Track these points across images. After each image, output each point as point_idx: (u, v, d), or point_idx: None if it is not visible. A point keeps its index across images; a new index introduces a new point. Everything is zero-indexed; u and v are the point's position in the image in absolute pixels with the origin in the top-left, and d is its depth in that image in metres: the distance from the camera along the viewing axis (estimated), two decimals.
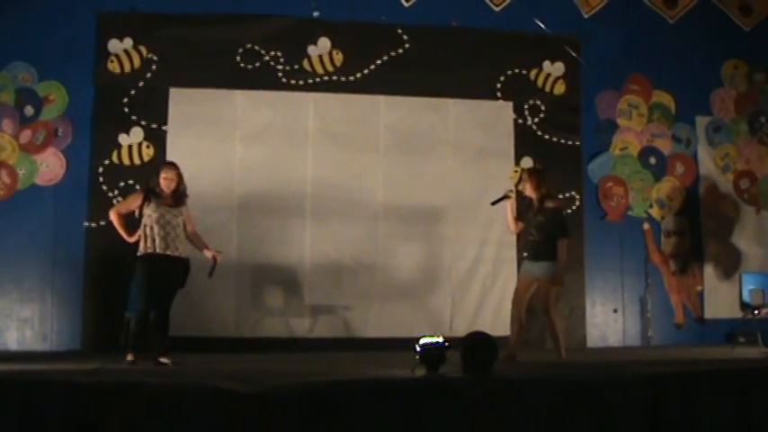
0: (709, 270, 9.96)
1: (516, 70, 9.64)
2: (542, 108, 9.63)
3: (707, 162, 10.15)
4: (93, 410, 4.63)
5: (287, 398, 4.68)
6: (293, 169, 9.08)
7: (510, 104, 9.61)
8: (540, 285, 7.12)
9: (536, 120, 9.61)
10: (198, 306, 8.39)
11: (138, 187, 8.09)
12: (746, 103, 10.31)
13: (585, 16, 9.90)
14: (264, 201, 8.96)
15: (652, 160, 9.95)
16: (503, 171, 9.35)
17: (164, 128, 8.94)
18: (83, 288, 8.66)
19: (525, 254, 7.59)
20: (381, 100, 9.37)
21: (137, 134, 8.90)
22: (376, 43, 9.41)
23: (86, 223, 8.70)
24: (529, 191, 7.29)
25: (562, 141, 9.63)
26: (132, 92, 8.94)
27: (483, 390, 4.96)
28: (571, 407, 5.00)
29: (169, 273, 6.72)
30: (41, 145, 8.82)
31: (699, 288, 9.89)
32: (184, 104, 9.00)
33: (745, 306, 8.68)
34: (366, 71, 9.34)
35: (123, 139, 8.87)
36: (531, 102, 9.62)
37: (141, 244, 6.75)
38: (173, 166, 7.01)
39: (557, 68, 9.71)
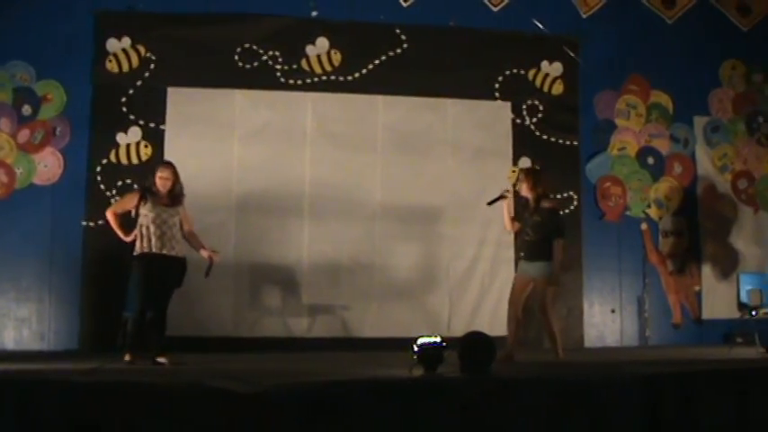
0: (706, 270, 9.97)
1: (514, 70, 9.64)
2: (540, 108, 9.63)
3: (705, 162, 10.15)
4: (91, 410, 4.63)
5: (285, 398, 4.68)
6: (291, 169, 9.08)
7: (508, 104, 9.61)
8: (536, 285, 7.13)
9: (534, 120, 9.62)
10: (196, 306, 8.39)
11: (135, 187, 8.08)
12: (744, 103, 10.31)
13: (584, 16, 9.90)
14: (263, 200, 8.95)
15: (650, 160, 9.96)
16: (501, 171, 9.35)
17: (162, 127, 8.93)
18: (80, 287, 8.65)
19: (522, 254, 7.59)
20: (380, 100, 9.37)
21: (135, 133, 8.90)
22: (374, 43, 9.41)
23: (84, 223, 8.69)
24: (525, 191, 7.30)
25: (560, 141, 9.63)
26: (130, 91, 8.93)
27: (481, 390, 4.96)
28: (569, 407, 5.00)
29: (165, 272, 6.72)
30: (39, 144, 8.82)
31: (696, 288, 9.90)
32: (182, 104, 8.99)
33: (742, 306, 8.69)
34: (364, 71, 9.34)
35: (121, 138, 8.87)
36: (529, 102, 9.63)
37: (137, 243, 6.75)
38: (168, 165, 7.00)
39: (555, 68, 9.72)
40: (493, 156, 9.45)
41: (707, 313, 9.87)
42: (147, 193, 6.84)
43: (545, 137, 9.60)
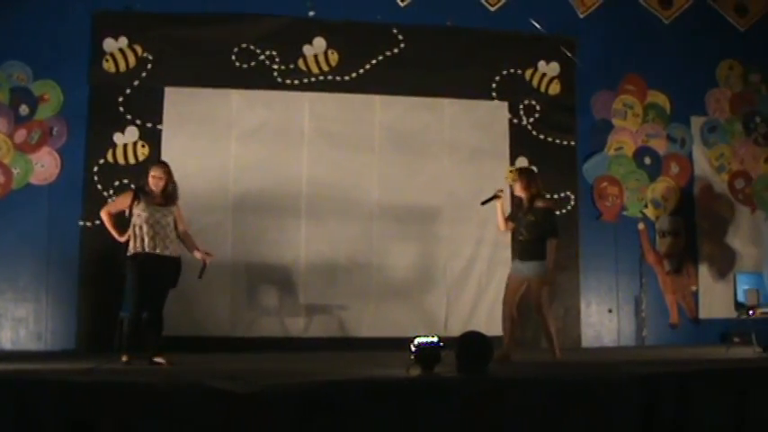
0: (703, 270, 9.98)
1: (511, 70, 9.65)
2: (537, 108, 9.63)
3: (702, 162, 10.17)
4: (88, 410, 4.63)
5: (282, 397, 4.68)
6: (288, 169, 9.08)
7: (505, 104, 9.61)
8: (530, 285, 7.14)
9: (531, 120, 9.62)
10: (193, 305, 8.40)
11: (132, 186, 8.08)
12: (741, 103, 10.32)
13: (581, 16, 9.91)
14: (260, 200, 8.95)
15: (647, 160, 9.97)
16: (498, 171, 9.34)
17: (159, 127, 8.93)
18: (77, 287, 8.65)
19: (516, 253, 7.58)
20: (377, 100, 9.37)
21: (132, 133, 8.89)
22: (371, 43, 9.41)
23: (81, 222, 8.69)
24: (519, 190, 7.32)
25: (557, 141, 9.64)
26: (127, 91, 8.93)
27: (478, 389, 4.96)
28: (566, 407, 5.01)
29: (159, 272, 6.69)
30: (36, 144, 8.81)
31: (693, 288, 9.91)
32: (179, 104, 8.99)
33: (739, 306, 8.69)
34: (361, 71, 9.34)
35: (118, 138, 8.86)
36: (526, 102, 9.63)
37: (131, 243, 6.73)
38: (161, 164, 6.99)
39: (552, 68, 9.72)
40: (490, 156, 9.45)
41: (704, 313, 9.88)
42: (141, 192, 6.82)
43: (542, 137, 9.60)
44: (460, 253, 9.31)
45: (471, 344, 5.60)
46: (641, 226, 9.81)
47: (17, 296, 8.66)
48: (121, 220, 6.90)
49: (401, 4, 9.52)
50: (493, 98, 9.58)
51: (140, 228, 6.70)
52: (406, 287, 9.17)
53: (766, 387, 5.46)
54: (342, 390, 4.83)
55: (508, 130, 9.57)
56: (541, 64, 9.70)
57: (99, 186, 8.74)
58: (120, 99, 8.89)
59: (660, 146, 10.03)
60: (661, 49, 9.97)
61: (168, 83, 9.01)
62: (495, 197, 7.41)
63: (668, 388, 5.24)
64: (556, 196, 9.35)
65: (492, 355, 5.61)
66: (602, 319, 9.67)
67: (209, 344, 8.38)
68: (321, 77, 9.27)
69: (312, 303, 8.97)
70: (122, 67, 8.96)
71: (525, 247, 7.21)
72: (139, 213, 6.72)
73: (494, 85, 9.58)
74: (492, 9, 9.70)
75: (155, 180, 6.80)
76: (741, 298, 8.70)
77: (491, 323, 8.22)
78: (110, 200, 8.44)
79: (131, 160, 8.84)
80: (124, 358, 6.60)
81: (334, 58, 9.31)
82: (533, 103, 9.63)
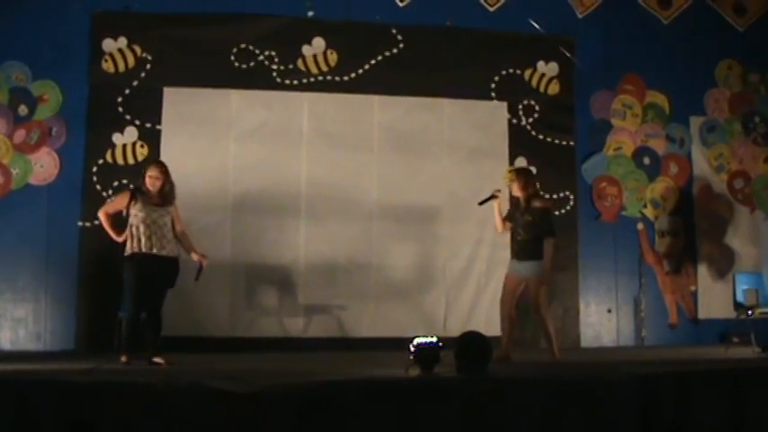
0: (702, 270, 9.98)
1: (510, 70, 9.65)
2: (537, 108, 9.64)
3: (701, 162, 10.17)
4: (88, 410, 4.63)
5: (281, 398, 4.68)
6: (288, 169, 9.08)
7: (504, 104, 9.61)
8: (528, 285, 7.14)
9: (530, 120, 9.62)
10: (192, 305, 8.39)
11: (132, 186, 8.07)
12: (740, 103, 10.32)
13: (580, 16, 9.91)
14: (259, 200, 8.95)
15: (646, 160, 9.97)
16: (497, 171, 9.29)
17: (158, 127, 8.93)
18: (77, 288, 8.64)
19: (513, 253, 7.56)
20: (376, 100, 9.37)
21: (131, 134, 8.89)
22: (370, 43, 9.41)
23: (80, 223, 8.68)
24: (516, 190, 7.31)
25: (556, 141, 9.64)
26: (126, 91, 8.92)
27: (477, 390, 4.96)
28: (565, 407, 5.01)
29: (157, 272, 6.68)
30: (35, 144, 8.81)
31: (692, 288, 9.91)
32: (179, 104, 8.98)
33: (738, 306, 8.69)
34: (360, 71, 9.34)
35: (117, 138, 8.86)
36: (525, 102, 9.63)
37: (128, 244, 6.72)
38: (158, 164, 6.98)
39: (551, 69, 9.72)
40: (489, 156, 9.45)
41: (703, 313, 9.88)
42: (138, 192, 6.81)
43: (541, 137, 9.60)
44: (460, 253, 9.30)
45: (470, 344, 5.60)
46: (640, 226, 9.81)
47: (16, 296, 8.66)
48: (119, 221, 6.90)
49: (400, 5, 9.52)
50: (492, 98, 9.58)
51: (137, 228, 6.69)
52: (405, 287, 9.16)
53: (765, 387, 5.47)
54: (341, 390, 4.83)
55: (507, 131, 9.57)
56: (540, 64, 9.70)
57: (98, 187, 8.74)
58: (120, 99, 8.89)
59: (659, 146, 10.03)
60: (660, 50, 9.97)
61: (167, 83, 9.00)
62: (492, 197, 7.41)
63: (667, 388, 5.24)
64: (555, 196, 9.37)
65: (491, 355, 5.61)
66: (602, 320, 9.67)
67: (208, 344, 8.38)
68: (320, 78, 9.27)
69: (311, 303, 8.97)
70: (121, 67, 8.95)
71: (523, 247, 7.21)
72: (136, 213, 6.71)
73: (493, 86, 9.58)
74: (491, 9, 9.70)
75: (152, 180, 6.79)
76: (740, 298, 8.70)
77: (490, 323, 8.20)
78: (109, 200, 8.42)
79: (130, 160, 8.83)
80: (123, 358, 6.60)
81: (333, 58, 9.31)
82: (532, 103, 9.63)
